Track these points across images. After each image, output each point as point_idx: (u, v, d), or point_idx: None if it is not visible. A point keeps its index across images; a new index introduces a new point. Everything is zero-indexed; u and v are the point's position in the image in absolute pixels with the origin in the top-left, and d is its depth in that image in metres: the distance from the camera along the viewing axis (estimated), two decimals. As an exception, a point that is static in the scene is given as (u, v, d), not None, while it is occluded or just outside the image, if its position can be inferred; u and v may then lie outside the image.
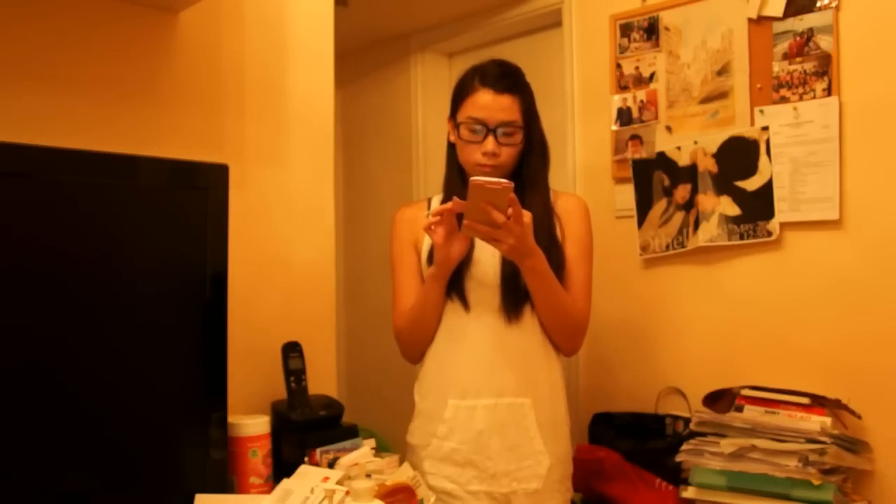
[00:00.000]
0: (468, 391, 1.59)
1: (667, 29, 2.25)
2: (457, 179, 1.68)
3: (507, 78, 1.63)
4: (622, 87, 2.34)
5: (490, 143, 1.59)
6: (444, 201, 1.65)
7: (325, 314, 1.73)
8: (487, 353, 1.59)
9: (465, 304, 1.61)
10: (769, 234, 2.01)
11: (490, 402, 1.58)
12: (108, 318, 1.17)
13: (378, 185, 3.25)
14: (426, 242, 1.64)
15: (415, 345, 1.67)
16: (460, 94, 1.66)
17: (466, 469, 1.58)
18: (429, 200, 1.77)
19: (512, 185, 1.40)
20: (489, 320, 1.60)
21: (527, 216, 1.46)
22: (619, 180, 2.34)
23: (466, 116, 1.62)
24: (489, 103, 1.60)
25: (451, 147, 1.70)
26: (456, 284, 1.61)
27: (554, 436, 1.62)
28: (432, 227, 1.51)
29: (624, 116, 2.34)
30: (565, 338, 1.64)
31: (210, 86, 1.53)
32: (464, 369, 1.60)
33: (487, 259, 1.61)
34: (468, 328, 1.61)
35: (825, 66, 1.93)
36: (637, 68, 2.31)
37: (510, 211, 1.42)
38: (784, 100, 2.00)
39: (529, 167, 1.66)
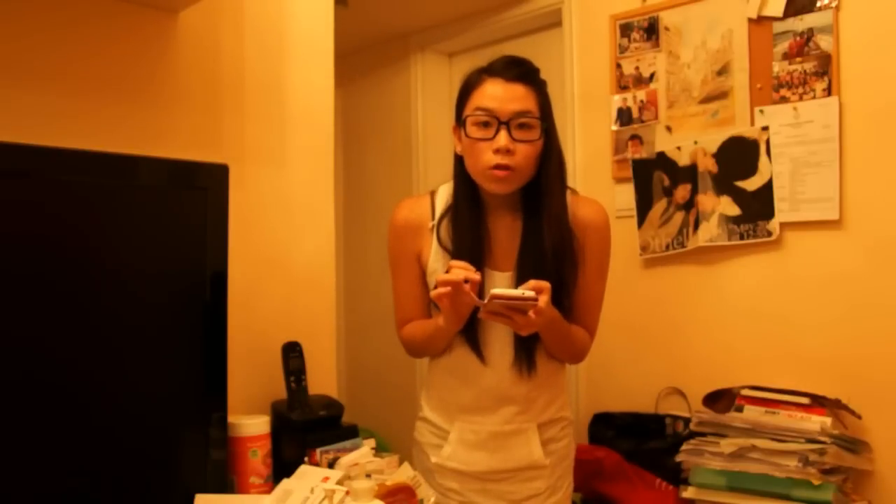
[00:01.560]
0: (474, 418, 1.56)
1: (667, 29, 2.25)
2: (466, 195, 1.52)
3: (519, 66, 1.46)
4: (622, 87, 2.34)
5: (503, 138, 1.40)
6: (453, 219, 1.54)
7: (325, 314, 1.72)
8: (496, 393, 1.54)
9: (479, 356, 1.52)
10: (769, 234, 2.01)
11: (495, 429, 1.55)
12: (107, 318, 1.17)
13: (378, 185, 3.25)
14: (432, 257, 1.54)
15: (420, 356, 1.65)
16: (465, 93, 1.48)
17: (470, 480, 1.58)
18: (432, 196, 1.60)
19: (536, 299, 1.29)
20: (501, 370, 1.53)
21: (546, 293, 1.33)
22: (619, 180, 2.35)
23: (473, 109, 1.44)
24: (499, 92, 1.42)
25: (459, 160, 1.52)
26: (469, 336, 1.50)
27: (556, 436, 1.61)
28: (440, 297, 1.36)
29: (624, 116, 2.34)
30: (572, 360, 1.62)
31: (210, 85, 1.53)
32: (471, 401, 1.56)
33: None
34: (479, 373, 1.54)
35: (825, 66, 1.93)
36: (637, 68, 2.31)
37: (532, 310, 1.32)
38: (784, 100, 2.00)
39: (545, 179, 1.48)
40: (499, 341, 1.52)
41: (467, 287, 1.34)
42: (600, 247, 1.56)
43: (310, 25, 1.70)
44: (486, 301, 1.32)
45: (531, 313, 1.33)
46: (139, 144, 1.39)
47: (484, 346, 1.52)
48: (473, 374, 1.54)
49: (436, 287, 1.37)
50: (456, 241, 1.52)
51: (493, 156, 1.42)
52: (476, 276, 1.33)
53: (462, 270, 1.34)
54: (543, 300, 1.32)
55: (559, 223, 1.48)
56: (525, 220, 1.52)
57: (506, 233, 1.53)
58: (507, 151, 1.41)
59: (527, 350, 1.51)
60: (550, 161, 1.49)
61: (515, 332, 1.43)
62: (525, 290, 1.31)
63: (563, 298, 1.49)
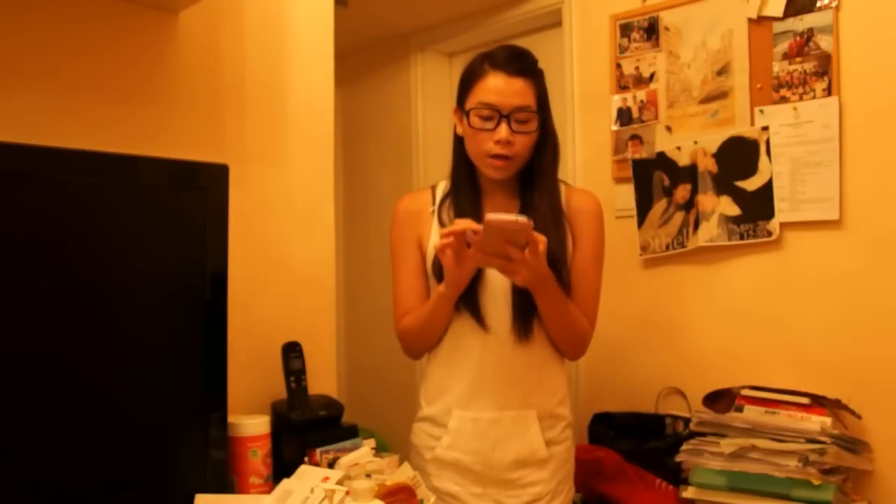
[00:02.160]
0: (473, 403, 1.57)
1: (667, 29, 2.25)
2: (465, 174, 1.60)
3: (520, 60, 1.53)
4: (622, 87, 2.34)
5: (503, 130, 1.49)
6: (452, 199, 1.60)
7: (325, 314, 1.72)
8: (496, 369, 1.56)
9: (479, 322, 1.55)
10: (769, 234, 2.01)
11: (495, 416, 1.56)
12: (107, 318, 1.17)
13: (378, 185, 3.25)
14: (432, 243, 1.58)
15: (418, 348, 1.65)
16: (468, 81, 1.56)
17: (470, 476, 1.58)
18: (432, 189, 1.68)
19: (531, 223, 1.33)
20: (500, 337, 1.55)
21: (542, 243, 1.38)
22: (619, 180, 2.35)
23: (476, 102, 1.52)
24: (501, 87, 1.50)
25: (458, 140, 1.60)
26: (468, 301, 1.54)
27: (557, 438, 1.61)
28: (444, 249, 1.41)
29: (624, 116, 2.34)
30: (572, 348, 1.62)
31: (210, 85, 1.53)
32: (471, 382, 1.57)
33: (498, 276, 1.52)
34: (478, 343, 1.56)
35: (825, 66, 1.93)
36: (637, 68, 2.31)
37: (527, 245, 1.36)
38: (784, 100, 2.00)
39: (540, 163, 1.57)
40: (497, 305, 1.56)
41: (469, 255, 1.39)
42: (594, 231, 1.63)
43: (310, 25, 1.71)
44: (482, 231, 1.34)
45: (527, 252, 1.36)
46: (139, 144, 1.40)
47: (483, 310, 1.55)
48: (473, 347, 1.56)
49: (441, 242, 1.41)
50: (456, 216, 1.56)
51: (494, 145, 1.51)
52: (478, 227, 1.36)
53: (465, 223, 1.40)
54: (542, 243, 1.37)
55: (551, 203, 1.57)
56: (522, 203, 1.59)
57: None
58: (507, 143, 1.51)
59: (525, 313, 1.54)
60: (546, 147, 1.58)
61: (511, 278, 1.45)
62: (519, 217, 1.33)
63: (560, 271, 1.53)
